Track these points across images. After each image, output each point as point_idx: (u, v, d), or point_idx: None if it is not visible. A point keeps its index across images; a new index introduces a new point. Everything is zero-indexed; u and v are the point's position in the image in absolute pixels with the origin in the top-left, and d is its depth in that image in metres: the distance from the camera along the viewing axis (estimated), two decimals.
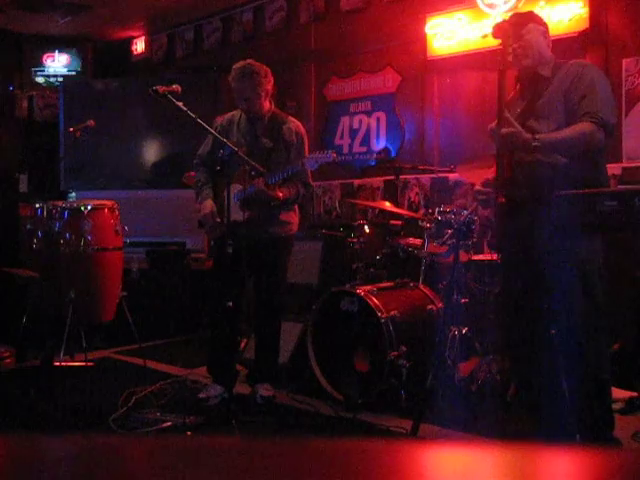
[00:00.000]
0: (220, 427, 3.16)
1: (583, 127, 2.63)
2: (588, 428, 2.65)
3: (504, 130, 2.63)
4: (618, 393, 3.25)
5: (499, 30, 2.69)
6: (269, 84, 3.59)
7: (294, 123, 3.66)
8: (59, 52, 7.77)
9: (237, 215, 3.39)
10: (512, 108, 2.86)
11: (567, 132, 2.66)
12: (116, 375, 4.18)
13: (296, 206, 3.76)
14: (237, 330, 3.81)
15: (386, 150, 5.69)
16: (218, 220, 3.57)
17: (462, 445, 0.86)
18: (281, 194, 3.47)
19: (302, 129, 3.69)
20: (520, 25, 2.82)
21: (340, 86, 6.01)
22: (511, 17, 2.95)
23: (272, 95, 3.69)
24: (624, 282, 3.77)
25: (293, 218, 3.72)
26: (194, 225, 4.03)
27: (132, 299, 4.67)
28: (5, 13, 6.68)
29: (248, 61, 3.59)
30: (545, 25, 2.93)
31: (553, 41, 2.99)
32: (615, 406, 3.03)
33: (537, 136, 2.64)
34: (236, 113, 3.73)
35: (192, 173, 4.86)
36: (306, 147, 3.66)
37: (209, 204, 3.60)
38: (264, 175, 3.37)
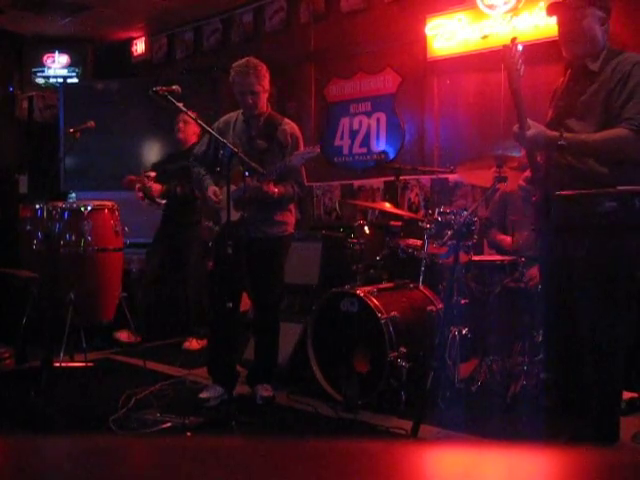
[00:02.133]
0: (220, 428, 3.16)
1: (618, 133, 2.50)
2: (590, 435, 2.65)
3: (529, 133, 2.56)
4: None
5: (505, 55, 2.52)
6: (268, 82, 3.60)
7: (289, 125, 3.66)
8: (59, 53, 7.77)
9: (231, 215, 3.37)
10: (558, 98, 2.76)
11: (599, 136, 2.54)
12: (116, 376, 4.18)
13: (292, 206, 3.75)
14: (237, 330, 3.81)
15: (385, 153, 5.70)
16: (218, 201, 3.56)
17: (462, 446, 0.87)
18: (277, 190, 3.47)
19: (297, 131, 3.68)
20: (578, 8, 2.63)
21: (340, 87, 6.02)
22: None
23: (269, 96, 3.69)
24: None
25: (289, 218, 3.71)
26: None
27: (132, 299, 4.68)
28: (5, 13, 6.69)
29: (248, 58, 3.59)
30: (607, 9, 2.70)
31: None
32: None
33: (565, 135, 2.55)
34: (233, 115, 3.72)
35: (131, 177, 4.92)
36: (301, 149, 3.65)
37: (212, 189, 3.60)
38: (258, 175, 3.37)
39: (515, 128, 2.61)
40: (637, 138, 2.49)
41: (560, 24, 2.71)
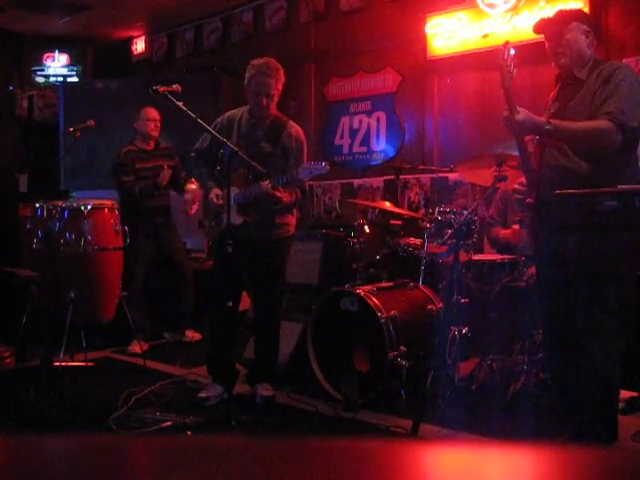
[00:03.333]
0: (220, 427, 3.15)
1: (599, 124, 2.61)
2: (589, 435, 2.66)
3: (519, 117, 2.64)
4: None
5: (498, 56, 2.67)
6: (282, 85, 3.58)
7: (294, 128, 3.61)
8: (59, 52, 7.78)
9: (234, 219, 3.35)
10: (550, 106, 2.89)
11: (582, 124, 2.65)
12: (116, 375, 4.18)
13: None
14: (237, 330, 3.81)
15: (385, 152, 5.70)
16: (220, 204, 3.52)
17: (462, 445, 0.87)
18: (285, 196, 3.44)
19: (302, 135, 3.64)
20: (563, 23, 2.81)
21: (340, 86, 6.01)
22: (555, 14, 2.93)
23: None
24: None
25: (290, 220, 3.69)
26: (194, 225, 4.02)
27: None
28: (5, 13, 6.69)
29: (269, 58, 3.53)
30: (590, 23, 2.89)
31: None
32: None
33: (551, 120, 2.66)
34: (237, 112, 3.68)
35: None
36: (305, 153, 3.61)
37: (215, 192, 3.55)
38: (269, 177, 3.34)
39: (505, 112, 2.70)
40: (615, 130, 2.60)
41: (547, 39, 2.88)
